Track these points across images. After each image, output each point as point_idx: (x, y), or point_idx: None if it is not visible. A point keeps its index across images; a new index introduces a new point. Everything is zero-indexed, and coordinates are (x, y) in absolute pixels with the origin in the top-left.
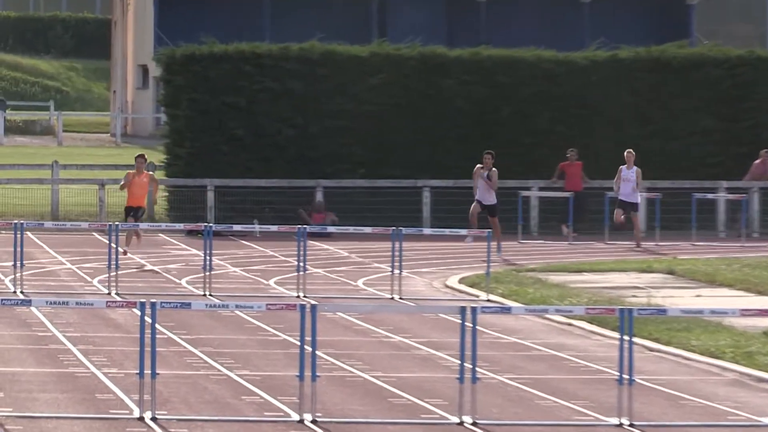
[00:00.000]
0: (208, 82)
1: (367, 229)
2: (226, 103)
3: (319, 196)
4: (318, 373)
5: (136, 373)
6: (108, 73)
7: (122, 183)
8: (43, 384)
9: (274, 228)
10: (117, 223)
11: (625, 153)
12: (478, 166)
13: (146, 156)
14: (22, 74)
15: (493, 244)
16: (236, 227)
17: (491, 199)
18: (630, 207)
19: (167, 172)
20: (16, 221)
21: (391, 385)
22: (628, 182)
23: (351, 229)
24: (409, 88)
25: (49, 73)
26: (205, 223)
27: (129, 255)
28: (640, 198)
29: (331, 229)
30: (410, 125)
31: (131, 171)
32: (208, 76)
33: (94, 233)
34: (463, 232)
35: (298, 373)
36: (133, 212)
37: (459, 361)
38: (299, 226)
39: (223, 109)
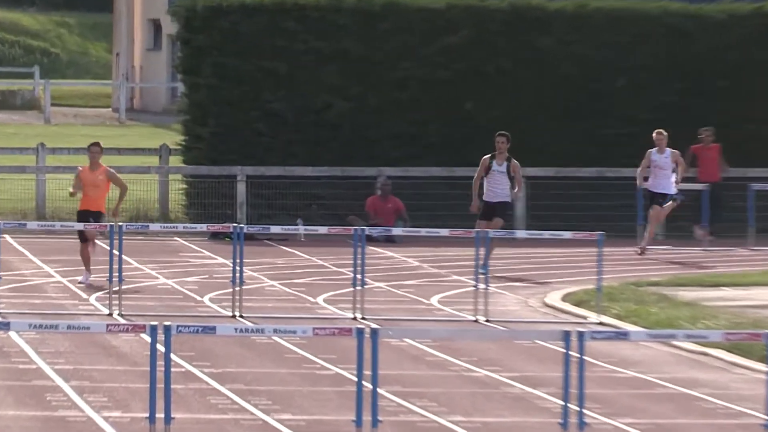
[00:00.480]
0: (238, 41)
1: (444, 232)
2: (261, 69)
3: (383, 178)
4: (380, 417)
5: (145, 418)
6: (109, 31)
7: (72, 185)
8: (25, 431)
9: (323, 230)
10: (120, 223)
11: (654, 134)
12: (486, 157)
13: (101, 144)
14: None
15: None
16: (274, 229)
17: (504, 195)
18: (661, 199)
19: (185, 157)
20: None
21: None
22: (662, 170)
23: (423, 231)
24: (496, 50)
25: (33, 29)
26: (234, 224)
27: (136, 265)
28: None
29: (396, 231)
30: (497, 97)
31: (82, 166)
32: (239, 34)
33: None
34: (567, 234)
35: (354, 418)
36: (91, 218)
37: (562, 402)
38: (355, 227)
39: (257, 77)
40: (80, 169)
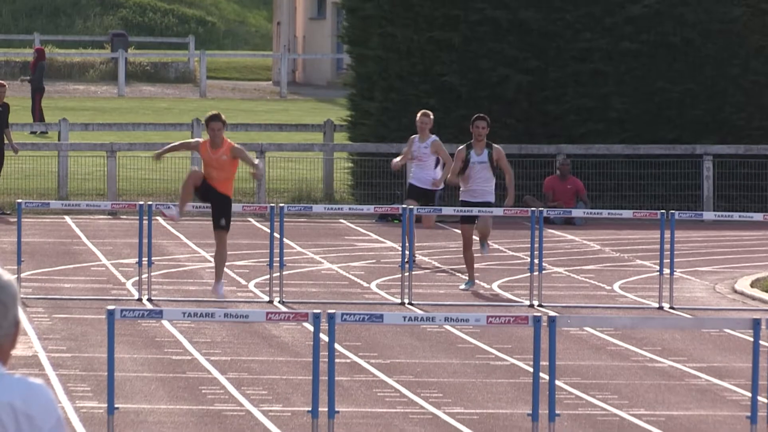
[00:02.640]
0: (408, 10)
1: (627, 213)
2: (432, 40)
3: (563, 158)
4: (558, 411)
5: (308, 412)
6: None
7: (168, 147)
8: (179, 426)
9: (497, 211)
10: (282, 204)
11: (419, 116)
12: (461, 148)
13: (223, 116)
14: None
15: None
16: (447, 210)
17: (488, 192)
18: (423, 197)
19: (351, 134)
20: (141, 202)
21: (658, 426)
22: (421, 161)
23: (605, 213)
24: (685, 20)
25: None
26: (404, 205)
27: (299, 249)
28: None
29: (576, 213)
30: (687, 70)
31: (202, 142)
32: (409, 3)
33: (250, 219)
34: (758, 216)
35: (530, 411)
36: (217, 212)
37: (750, 394)
38: (533, 208)
39: (428, 49)
40: (199, 141)
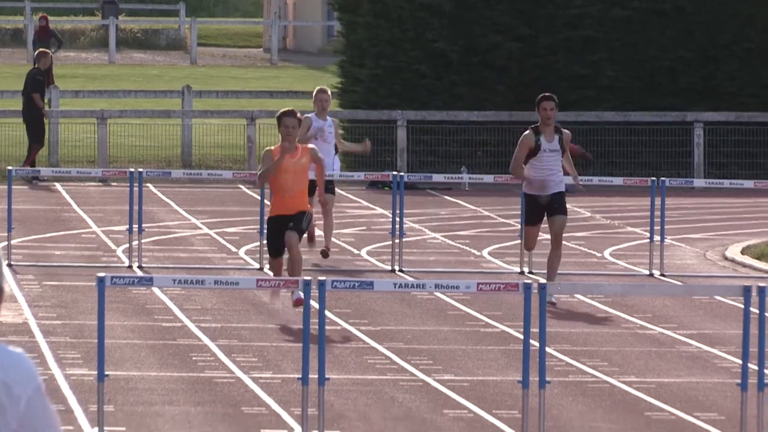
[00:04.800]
0: None
1: (618, 180)
2: (423, 6)
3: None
4: (548, 378)
5: (298, 379)
6: None
7: (261, 171)
8: (169, 393)
9: (488, 178)
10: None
11: (316, 92)
12: (527, 133)
13: (298, 113)
14: None
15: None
16: (436, 177)
17: (560, 182)
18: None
19: (342, 101)
20: (132, 169)
21: (648, 393)
22: (326, 142)
23: (595, 179)
24: None
25: None
26: (394, 172)
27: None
28: None
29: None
30: (677, 36)
31: (274, 147)
32: None
33: (240, 186)
34: (748, 183)
35: (520, 378)
36: (287, 225)
37: (740, 361)
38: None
39: (419, 15)
40: (273, 150)
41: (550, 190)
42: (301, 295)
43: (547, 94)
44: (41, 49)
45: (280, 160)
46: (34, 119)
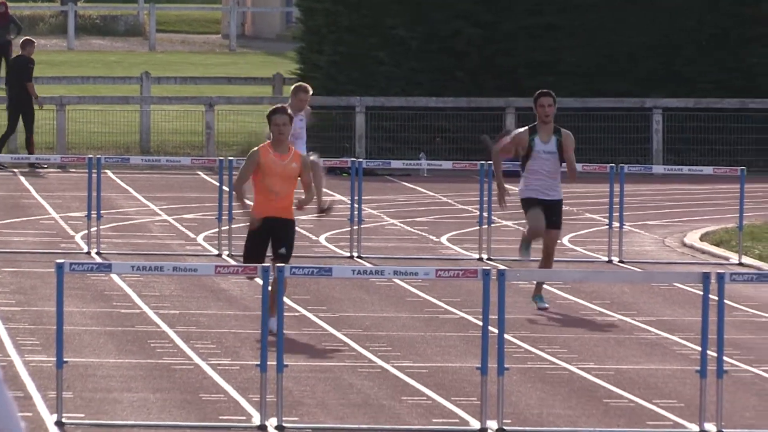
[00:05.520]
0: None
1: (577, 167)
2: None
3: (510, 123)
4: (507, 365)
5: (256, 365)
6: None
7: (242, 172)
8: (128, 380)
9: (447, 164)
10: (231, 158)
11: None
12: (521, 131)
13: (288, 109)
14: None
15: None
16: (395, 163)
17: (557, 188)
18: None
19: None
20: (91, 156)
21: (607, 380)
22: (299, 138)
23: None
24: None
25: None
26: (353, 158)
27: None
28: None
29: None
30: (640, 23)
31: (261, 146)
32: None
33: (198, 172)
34: (707, 170)
35: (479, 365)
36: (272, 235)
37: (699, 348)
38: (482, 162)
39: (378, 1)
40: (260, 151)
41: (548, 196)
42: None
43: (544, 90)
44: (27, 38)
45: (260, 161)
46: (30, 107)
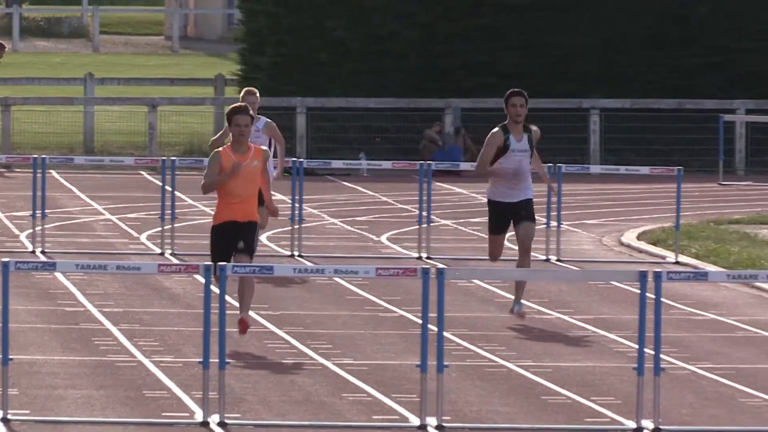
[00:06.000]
0: None
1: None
2: None
3: (451, 120)
4: (446, 362)
5: (199, 362)
6: None
7: (207, 179)
8: (72, 377)
9: (386, 164)
10: (173, 158)
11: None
12: (495, 131)
13: (251, 106)
14: None
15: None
16: (335, 163)
17: (529, 187)
18: None
19: (242, 88)
20: (35, 156)
21: (545, 378)
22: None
23: None
24: None
25: None
26: (293, 158)
27: (190, 202)
28: None
29: (465, 166)
30: (576, 24)
31: (222, 149)
32: None
33: (142, 172)
34: (644, 169)
35: (418, 362)
36: (237, 237)
37: (637, 346)
38: (422, 162)
39: (319, 3)
40: (222, 152)
41: (516, 196)
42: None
43: (516, 89)
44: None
45: (234, 171)
46: None
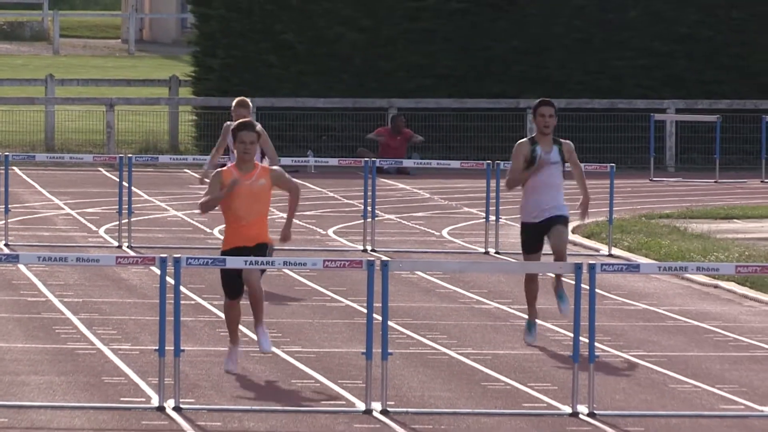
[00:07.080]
0: None
1: (455, 164)
2: (272, 0)
3: (395, 113)
4: (390, 350)
5: (155, 350)
6: None
7: (205, 198)
8: (35, 364)
9: (333, 161)
10: (130, 155)
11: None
12: (522, 142)
13: (257, 124)
14: None
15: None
16: (284, 160)
17: (561, 201)
18: None
19: (195, 89)
20: None
21: (484, 365)
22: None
23: (434, 163)
24: None
25: None
26: None
27: (146, 197)
28: None
29: (407, 163)
30: (513, 28)
31: (225, 168)
32: None
33: (100, 168)
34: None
35: (364, 350)
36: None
37: (572, 334)
38: (366, 159)
39: (268, 8)
40: (224, 172)
41: (549, 213)
42: (269, 347)
43: (545, 98)
44: None
45: (231, 186)
46: None
